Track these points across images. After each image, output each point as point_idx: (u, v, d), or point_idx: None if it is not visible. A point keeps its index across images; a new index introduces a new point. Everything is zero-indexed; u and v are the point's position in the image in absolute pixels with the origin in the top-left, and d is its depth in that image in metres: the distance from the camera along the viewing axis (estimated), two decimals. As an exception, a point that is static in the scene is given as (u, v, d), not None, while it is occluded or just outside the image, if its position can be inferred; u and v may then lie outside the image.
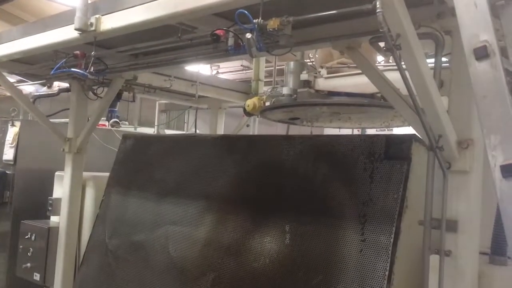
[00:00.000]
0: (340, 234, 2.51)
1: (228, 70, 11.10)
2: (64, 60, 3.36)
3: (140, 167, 3.89)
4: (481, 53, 1.43)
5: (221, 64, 10.95)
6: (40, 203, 4.56)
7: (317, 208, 2.69)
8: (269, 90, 4.02)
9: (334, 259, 2.48)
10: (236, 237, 3.00)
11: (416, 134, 2.30)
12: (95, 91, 4.27)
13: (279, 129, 5.39)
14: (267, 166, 3.07)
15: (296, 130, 4.67)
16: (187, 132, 7.93)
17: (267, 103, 3.74)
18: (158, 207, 3.58)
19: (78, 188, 4.30)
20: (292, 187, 2.89)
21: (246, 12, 2.08)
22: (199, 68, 6.11)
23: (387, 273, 2.26)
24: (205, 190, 3.32)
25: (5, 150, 5.10)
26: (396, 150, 2.47)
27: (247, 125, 5.70)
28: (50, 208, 4.41)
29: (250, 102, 3.93)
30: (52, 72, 3.41)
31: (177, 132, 8.38)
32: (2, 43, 3.78)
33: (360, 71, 2.91)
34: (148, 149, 3.94)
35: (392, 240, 2.31)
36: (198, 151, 3.54)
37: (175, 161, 3.65)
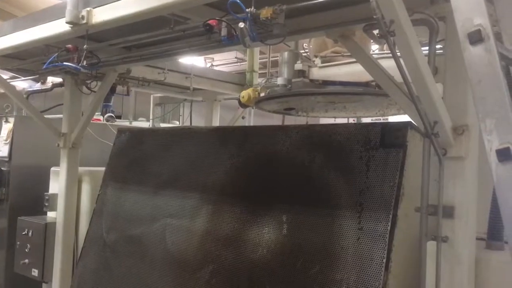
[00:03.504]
0: (337, 223, 2.51)
1: (222, 62, 11.06)
2: (56, 54, 3.33)
3: (136, 160, 3.87)
4: (476, 37, 1.42)
5: (215, 57, 10.91)
6: (36, 199, 4.55)
7: (314, 198, 2.68)
8: (263, 81, 4.01)
9: (332, 248, 2.48)
10: (233, 228, 2.99)
11: (412, 121, 2.30)
12: (88, 86, 4.25)
13: (275, 121, 5.39)
14: (263, 157, 3.06)
15: (291, 120, 4.67)
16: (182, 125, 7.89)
17: (262, 94, 3.73)
18: (154, 200, 3.57)
19: (74, 183, 4.29)
20: (288, 177, 2.88)
21: (238, 1, 2.07)
22: (193, 61, 6.08)
23: (384, 260, 2.27)
24: (201, 182, 3.31)
25: (-1, 146, 5.08)
26: (392, 137, 2.46)
27: (243, 117, 5.69)
28: (46, 204, 4.41)
29: (245, 94, 3.91)
30: (44, 67, 3.39)
31: (173, 126, 8.36)
32: (-7, 39, 3.75)
33: (354, 60, 2.90)
34: (144, 142, 3.91)
35: (389, 228, 2.31)
36: (194, 143, 3.52)
37: (171, 154, 3.63)
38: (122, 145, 4.03)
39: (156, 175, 3.65)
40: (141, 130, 4.26)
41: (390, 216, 2.32)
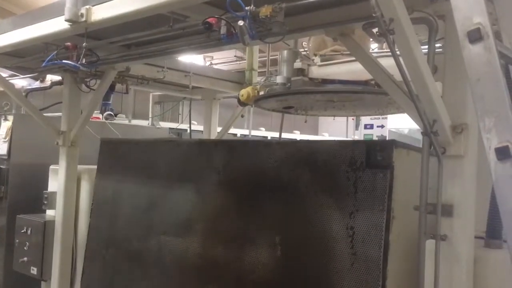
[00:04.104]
0: (330, 246, 2.43)
1: (221, 61, 11.07)
2: (55, 52, 3.33)
3: (121, 175, 3.82)
4: (475, 36, 1.42)
5: (215, 55, 10.92)
6: (35, 197, 4.54)
7: (304, 220, 2.58)
8: (263, 80, 4.01)
9: (327, 273, 2.40)
10: (219, 251, 2.94)
11: (395, 140, 2.28)
12: (87, 84, 4.24)
13: (274, 119, 5.39)
14: (248, 175, 2.96)
15: (291, 118, 4.67)
16: (179, 127, 7.88)
17: (261, 93, 3.73)
18: (137, 221, 3.55)
19: (73, 181, 4.29)
20: (276, 198, 2.78)
21: (238, -1, 2.07)
22: (193, 60, 6.07)
23: (380, 288, 2.20)
24: (185, 199, 3.26)
25: (-2, 144, 5.07)
26: (377, 157, 2.33)
27: (242, 116, 5.69)
28: (45, 202, 4.40)
29: (244, 92, 3.92)
30: (43, 65, 3.39)
31: (172, 124, 8.35)
32: (-8, 36, 3.74)
33: (354, 58, 2.90)
34: (128, 155, 3.83)
35: (381, 254, 2.24)
36: (178, 157, 3.44)
37: (155, 168, 3.56)
38: (107, 156, 3.96)
39: (142, 191, 3.61)
40: (125, 142, 4.07)
41: (382, 242, 2.24)
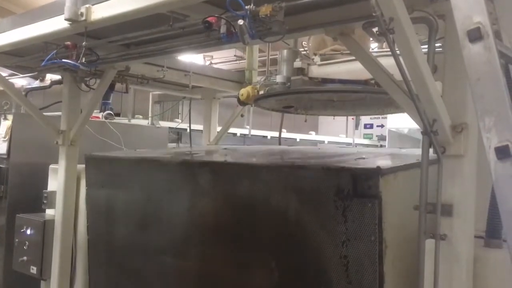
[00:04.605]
0: (327, 277, 2.37)
1: (221, 60, 11.07)
2: (55, 51, 3.32)
3: (107, 190, 3.82)
4: (475, 35, 1.42)
5: (214, 55, 10.93)
6: (35, 197, 4.54)
7: (298, 248, 2.52)
8: (262, 79, 4.01)
9: None
10: (203, 275, 2.93)
11: (381, 167, 2.22)
12: (87, 83, 4.24)
13: (274, 119, 5.39)
14: (234, 199, 2.87)
15: (290, 118, 4.67)
16: (177, 126, 7.88)
17: (261, 92, 3.73)
18: (127, 240, 3.57)
19: (72, 181, 4.29)
20: (263, 224, 2.71)
21: (237, -2, 2.06)
22: (192, 59, 6.07)
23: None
24: (170, 221, 3.24)
25: (-2, 144, 5.07)
26: (364, 187, 2.23)
27: (242, 115, 5.68)
28: (45, 201, 4.40)
29: (244, 91, 3.92)
30: (43, 64, 3.38)
31: (171, 124, 8.35)
32: (-9, 36, 3.74)
33: (353, 58, 2.90)
34: (113, 171, 3.78)
35: (377, 284, 2.20)
36: (162, 178, 3.36)
37: (139, 187, 3.53)
38: (93, 174, 3.94)
39: (129, 210, 3.61)
40: (108, 159, 3.93)
41: (377, 273, 2.20)
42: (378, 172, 2.20)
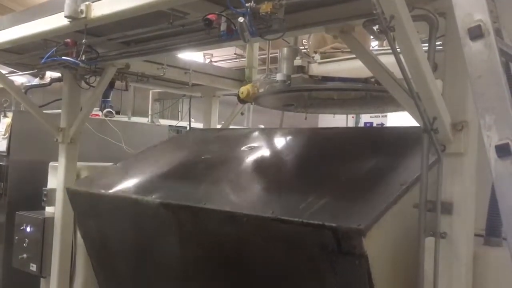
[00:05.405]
0: None
1: (221, 58, 11.04)
2: (55, 48, 3.32)
3: (93, 222, 3.80)
4: (476, 33, 1.42)
5: (215, 53, 10.89)
6: (34, 194, 4.53)
7: None
8: (262, 77, 4.01)
9: None
10: None
11: (363, 227, 2.08)
12: (87, 80, 4.23)
13: (274, 117, 5.38)
14: (216, 248, 2.78)
15: (290, 117, 4.66)
16: (177, 124, 7.87)
17: (261, 90, 3.73)
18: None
19: (72, 178, 4.28)
20: (248, 276, 2.63)
21: (238, -5, 2.06)
22: (192, 57, 6.06)
23: None
24: (148, 264, 3.25)
25: (-2, 141, 5.06)
26: (348, 246, 2.14)
27: (242, 113, 5.67)
28: (44, 199, 4.39)
29: (244, 89, 3.92)
30: (42, 61, 3.37)
31: (171, 122, 8.34)
32: (-9, 33, 3.73)
33: (354, 56, 2.90)
34: (95, 206, 3.71)
35: None
36: (141, 218, 3.24)
37: (118, 225, 3.51)
38: (78, 205, 3.92)
39: (113, 246, 3.61)
40: (89, 196, 3.75)
41: None
42: (361, 232, 2.06)
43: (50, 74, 5.29)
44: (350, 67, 3.13)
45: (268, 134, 3.82)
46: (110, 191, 3.47)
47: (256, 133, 3.92)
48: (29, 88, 5.52)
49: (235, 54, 10.53)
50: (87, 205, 3.82)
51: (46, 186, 4.48)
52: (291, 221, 2.32)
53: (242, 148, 3.47)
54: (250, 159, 3.28)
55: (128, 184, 3.56)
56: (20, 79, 5.65)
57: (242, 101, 4.09)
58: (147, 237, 3.28)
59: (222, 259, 2.79)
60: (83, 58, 3.23)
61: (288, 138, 3.63)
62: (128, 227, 3.42)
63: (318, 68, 3.25)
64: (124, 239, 3.52)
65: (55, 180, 4.35)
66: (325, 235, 2.17)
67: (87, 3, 2.82)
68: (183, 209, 2.89)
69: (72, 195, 3.89)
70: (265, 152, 3.43)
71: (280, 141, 3.67)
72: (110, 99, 5.94)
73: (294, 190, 2.68)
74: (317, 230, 2.20)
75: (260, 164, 3.22)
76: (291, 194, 2.64)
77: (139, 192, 3.22)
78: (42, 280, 4.48)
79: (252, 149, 3.43)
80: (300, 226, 2.27)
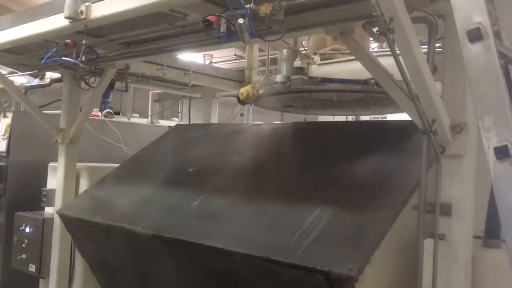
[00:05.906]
0: None
1: (221, 59, 11.05)
2: (55, 49, 3.32)
3: (88, 243, 3.82)
4: (475, 35, 1.43)
5: (214, 54, 10.90)
6: (34, 195, 4.53)
7: None
8: (262, 78, 4.01)
9: None
10: None
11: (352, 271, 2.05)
12: (87, 81, 4.24)
13: (273, 118, 5.38)
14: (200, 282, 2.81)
15: (290, 118, 4.66)
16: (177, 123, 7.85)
17: (261, 91, 3.73)
18: None
19: (72, 179, 4.28)
20: None
21: (238, -3, 2.06)
22: (192, 58, 6.07)
23: None
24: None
25: (-3, 141, 5.06)
26: (339, 285, 2.10)
27: (241, 114, 5.68)
28: (44, 199, 4.39)
29: (244, 90, 3.91)
30: (42, 62, 3.38)
31: (171, 123, 8.34)
32: (-9, 33, 3.73)
33: (353, 57, 2.90)
34: (85, 231, 3.70)
35: None
36: (131, 247, 3.25)
37: (110, 252, 3.52)
38: (71, 228, 3.91)
39: (106, 267, 3.63)
40: (82, 223, 3.65)
41: None
42: (351, 278, 2.02)
43: (50, 75, 5.30)
44: (350, 68, 3.13)
45: (256, 131, 3.79)
46: (101, 218, 3.39)
47: (244, 131, 3.90)
48: (29, 89, 5.53)
49: (235, 55, 10.53)
50: (80, 230, 3.79)
51: (45, 187, 4.48)
52: (283, 263, 2.26)
53: (232, 157, 3.43)
54: (239, 172, 3.23)
55: (119, 208, 3.48)
56: (20, 79, 5.66)
57: (241, 102, 4.09)
58: (143, 262, 3.28)
59: None
60: (83, 58, 3.23)
61: (274, 137, 3.60)
62: (123, 251, 3.41)
63: (317, 70, 3.25)
64: (121, 261, 3.51)
65: (55, 180, 4.35)
66: (317, 279, 2.13)
67: (87, 4, 2.82)
68: (175, 242, 2.84)
69: (65, 220, 3.87)
70: (253, 160, 3.37)
71: (268, 142, 3.63)
72: (110, 99, 5.95)
73: (286, 221, 2.57)
74: (309, 273, 2.16)
75: (250, 180, 3.15)
76: (284, 225, 2.54)
77: (131, 222, 3.15)
78: (41, 280, 4.47)
79: (241, 155, 3.40)
80: (292, 267, 2.22)
